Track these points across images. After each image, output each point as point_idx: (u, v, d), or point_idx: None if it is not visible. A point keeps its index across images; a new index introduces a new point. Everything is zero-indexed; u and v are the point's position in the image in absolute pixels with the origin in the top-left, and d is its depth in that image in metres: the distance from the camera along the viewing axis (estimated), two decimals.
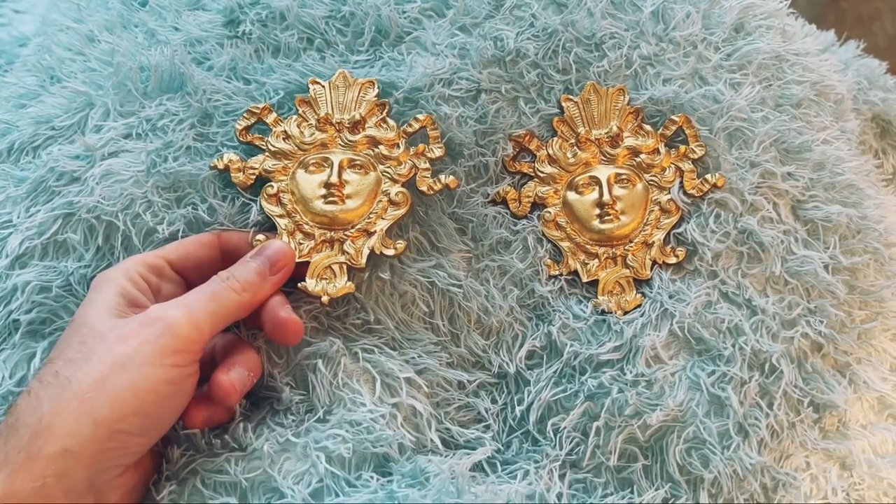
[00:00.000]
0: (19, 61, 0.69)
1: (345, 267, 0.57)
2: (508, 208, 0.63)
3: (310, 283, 0.56)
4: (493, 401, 0.59)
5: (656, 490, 0.55)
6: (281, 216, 0.58)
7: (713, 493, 0.55)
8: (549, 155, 0.63)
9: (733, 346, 0.57)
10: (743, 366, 0.57)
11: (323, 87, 0.61)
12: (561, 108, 0.64)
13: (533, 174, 0.63)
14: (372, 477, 0.51)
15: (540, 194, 0.63)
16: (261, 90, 0.62)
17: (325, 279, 0.57)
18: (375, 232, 0.58)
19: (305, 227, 0.58)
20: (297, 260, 0.56)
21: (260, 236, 0.56)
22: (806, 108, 0.66)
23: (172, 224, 0.57)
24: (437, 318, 0.59)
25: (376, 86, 0.61)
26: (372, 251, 0.58)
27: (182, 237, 0.56)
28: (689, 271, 0.61)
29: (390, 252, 0.58)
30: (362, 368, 0.55)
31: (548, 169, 0.63)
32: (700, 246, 0.60)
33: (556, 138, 0.64)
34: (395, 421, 0.54)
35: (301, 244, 0.57)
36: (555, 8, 0.65)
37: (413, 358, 0.58)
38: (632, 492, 0.55)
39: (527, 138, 0.63)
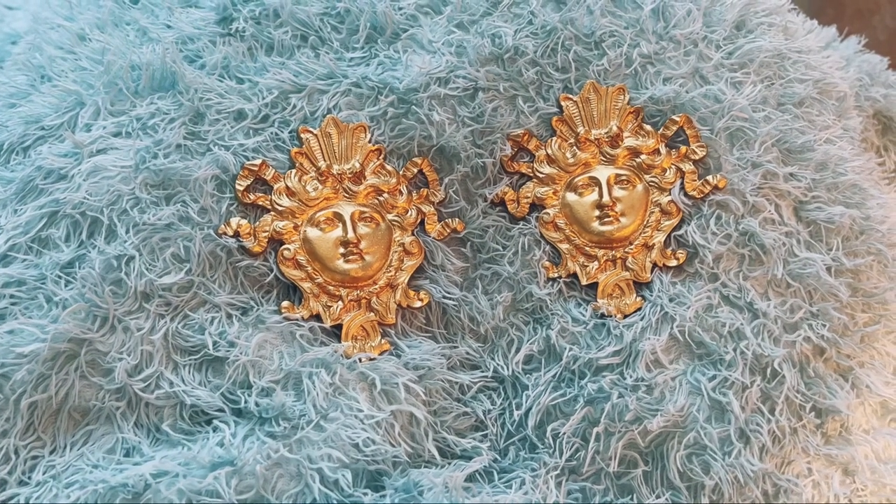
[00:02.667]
0: (10, 59, 0.68)
1: (376, 324, 0.58)
2: (507, 210, 0.62)
3: (346, 346, 0.56)
4: (492, 403, 0.58)
5: (657, 497, 0.54)
6: (303, 280, 0.58)
7: (714, 499, 0.54)
8: (547, 155, 0.62)
9: (734, 350, 0.57)
10: (744, 370, 0.56)
11: (315, 135, 0.60)
12: (560, 107, 0.63)
13: (531, 174, 0.62)
14: (365, 493, 0.50)
15: (539, 195, 0.62)
16: (254, 89, 0.60)
17: (360, 339, 0.57)
18: (398, 286, 0.59)
19: (329, 288, 0.58)
20: (330, 324, 0.57)
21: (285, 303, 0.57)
22: (808, 106, 0.65)
23: (161, 220, 0.55)
24: (434, 327, 0.60)
25: (368, 130, 0.60)
26: (399, 305, 0.59)
27: (174, 231, 0.55)
28: (689, 274, 0.60)
29: (417, 304, 0.59)
30: (359, 375, 0.55)
31: (546, 169, 0.62)
32: (701, 248, 0.60)
33: (555, 138, 0.63)
34: (392, 431, 0.53)
35: (329, 307, 0.57)
36: (553, 5, 0.64)
37: (414, 359, 0.57)
38: (632, 499, 0.55)
39: (525, 138, 0.62)
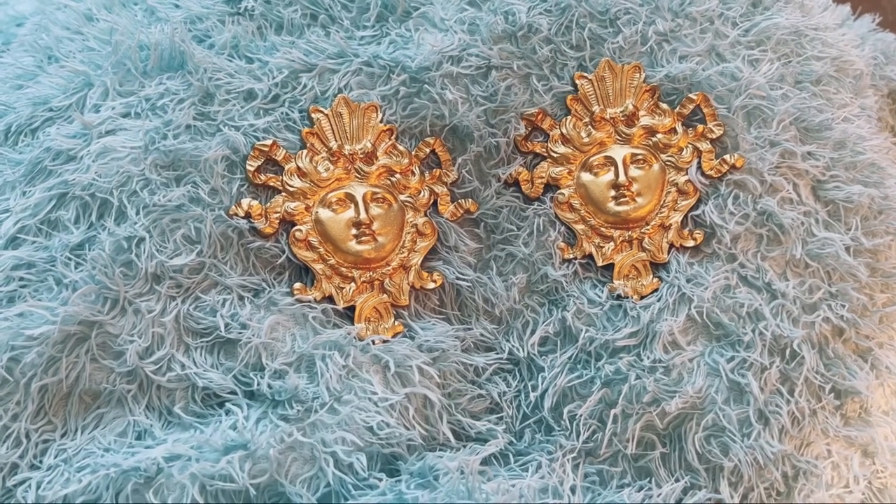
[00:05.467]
0: (16, 41, 0.67)
1: (389, 305, 0.57)
2: (521, 190, 0.61)
3: (359, 328, 0.56)
4: (508, 385, 0.58)
5: (676, 481, 0.53)
6: (315, 261, 0.57)
7: (733, 481, 0.54)
8: (562, 134, 0.62)
9: (753, 331, 0.56)
10: (763, 351, 0.56)
11: (326, 115, 0.59)
12: (575, 85, 0.62)
13: (546, 154, 0.62)
14: (380, 478, 0.50)
15: (553, 175, 0.61)
16: (263, 68, 0.60)
17: (373, 321, 0.57)
18: (412, 267, 0.58)
19: (342, 269, 0.57)
20: (343, 305, 0.56)
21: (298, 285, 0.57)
22: (826, 84, 0.64)
23: (171, 201, 0.55)
24: (447, 309, 0.59)
25: (379, 110, 0.60)
26: (412, 286, 0.58)
27: (184, 212, 0.55)
28: (707, 254, 0.59)
29: (430, 286, 0.58)
30: (373, 357, 0.54)
31: (561, 149, 0.61)
32: (718, 228, 0.59)
33: (569, 117, 0.62)
34: (406, 413, 0.53)
35: (342, 288, 0.57)
36: None
37: (428, 341, 0.56)
38: (649, 481, 0.54)
39: (539, 117, 0.62)
